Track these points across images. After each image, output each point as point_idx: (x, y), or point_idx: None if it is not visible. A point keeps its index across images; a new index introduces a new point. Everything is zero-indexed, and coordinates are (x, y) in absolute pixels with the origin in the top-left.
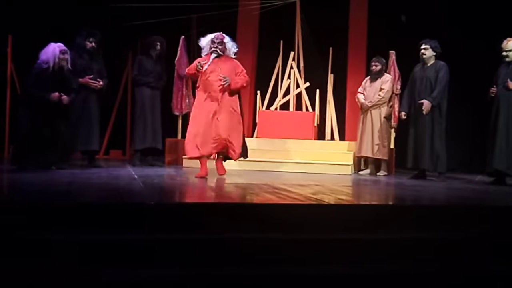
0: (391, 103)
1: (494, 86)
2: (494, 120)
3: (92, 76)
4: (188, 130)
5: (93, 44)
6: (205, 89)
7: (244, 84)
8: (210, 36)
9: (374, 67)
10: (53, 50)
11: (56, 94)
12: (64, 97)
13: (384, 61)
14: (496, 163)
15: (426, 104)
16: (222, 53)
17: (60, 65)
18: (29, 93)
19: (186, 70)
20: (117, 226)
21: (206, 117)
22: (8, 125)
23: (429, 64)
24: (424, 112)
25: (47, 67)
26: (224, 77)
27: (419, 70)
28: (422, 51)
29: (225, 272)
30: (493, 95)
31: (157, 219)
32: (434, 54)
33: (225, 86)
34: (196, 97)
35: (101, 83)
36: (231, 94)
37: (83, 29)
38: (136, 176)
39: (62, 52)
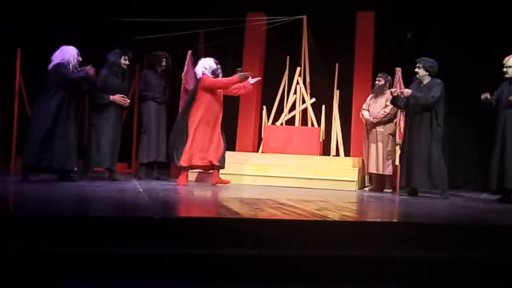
0: (396, 120)
1: (493, 97)
2: (502, 138)
3: (124, 95)
4: None
5: (128, 62)
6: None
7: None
8: (211, 60)
9: (377, 82)
10: (72, 51)
11: (91, 69)
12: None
13: (389, 78)
14: (508, 183)
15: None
16: None
17: (75, 66)
18: (68, 79)
19: (227, 81)
20: (121, 240)
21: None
22: (15, 138)
23: (424, 83)
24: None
25: (68, 66)
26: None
27: (415, 88)
28: (416, 69)
29: None
30: (484, 99)
31: (162, 233)
32: (427, 73)
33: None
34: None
35: (128, 101)
36: None
37: (116, 47)
38: (141, 190)
39: (78, 54)
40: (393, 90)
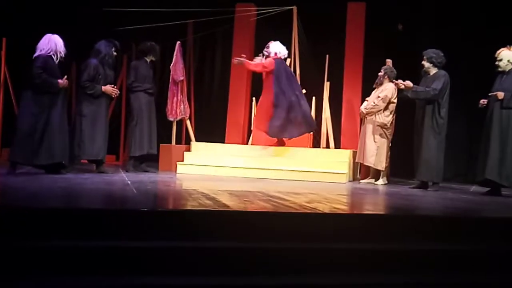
0: (390, 111)
1: (489, 96)
2: (487, 130)
3: (114, 86)
4: None
5: (116, 53)
6: None
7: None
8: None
9: (379, 73)
10: (57, 41)
11: (63, 81)
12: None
13: (391, 70)
14: (488, 173)
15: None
16: None
17: (62, 56)
18: (38, 81)
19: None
20: (108, 233)
21: None
22: (1, 130)
23: (431, 74)
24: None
25: (52, 56)
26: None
27: (422, 81)
28: (422, 62)
29: (217, 282)
30: (482, 106)
31: (150, 225)
32: (431, 64)
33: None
34: None
35: (118, 91)
36: None
37: (105, 39)
38: (129, 182)
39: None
40: (397, 81)
